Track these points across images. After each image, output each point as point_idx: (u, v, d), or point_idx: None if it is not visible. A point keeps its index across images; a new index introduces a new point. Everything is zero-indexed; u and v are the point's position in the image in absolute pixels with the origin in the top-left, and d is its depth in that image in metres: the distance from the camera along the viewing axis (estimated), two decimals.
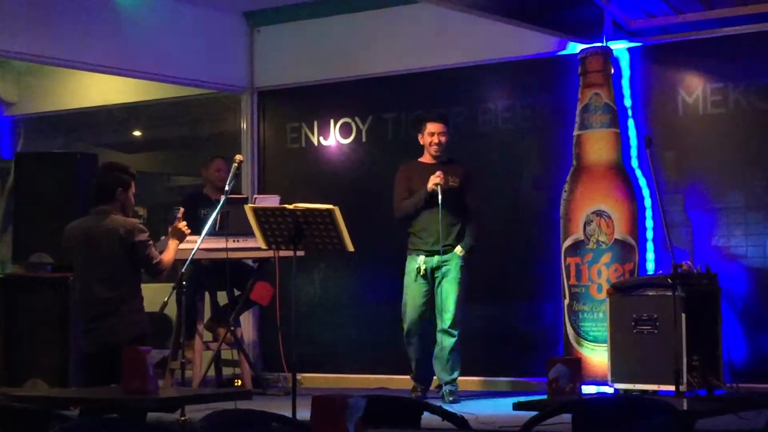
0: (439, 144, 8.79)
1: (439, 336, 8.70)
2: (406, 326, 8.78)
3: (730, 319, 8.65)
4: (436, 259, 8.68)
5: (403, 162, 9.02)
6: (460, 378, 8.80)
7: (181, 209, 7.62)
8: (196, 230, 8.93)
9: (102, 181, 7.18)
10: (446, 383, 8.66)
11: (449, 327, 8.65)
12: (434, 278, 8.73)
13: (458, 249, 8.67)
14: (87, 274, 7.10)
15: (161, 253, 7.36)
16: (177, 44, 10.46)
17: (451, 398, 8.50)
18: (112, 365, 6.67)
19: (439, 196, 8.47)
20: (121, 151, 13.34)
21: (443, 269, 8.71)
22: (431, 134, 8.81)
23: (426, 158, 8.88)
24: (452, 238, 8.71)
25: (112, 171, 7.21)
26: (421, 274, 8.67)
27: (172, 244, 7.34)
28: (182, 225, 7.35)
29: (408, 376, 8.89)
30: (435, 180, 8.52)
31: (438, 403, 6.98)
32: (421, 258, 8.67)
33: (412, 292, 8.75)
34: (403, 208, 8.75)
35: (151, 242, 7.14)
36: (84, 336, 7.11)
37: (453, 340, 8.64)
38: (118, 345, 6.69)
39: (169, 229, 7.44)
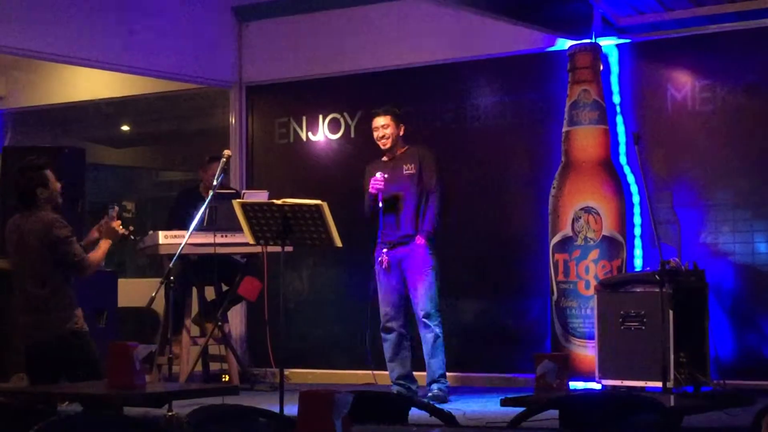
0: (383, 138, 8.74)
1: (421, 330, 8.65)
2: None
3: (718, 315, 8.67)
4: (396, 250, 8.61)
5: (369, 161, 8.97)
6: (449, 373, 8.73)
7: (116, 208, 7.47)
8: (185, 227, 8.95)
9: (21, 186, 7.09)
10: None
11: (423, 318, 8.53)
12: (400, 270, 8.67)
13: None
14: (20, 270, 7.11)
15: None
16: (165, 39, 10.46)
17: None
18: (44, 361, 6.87)
19: (380, 203, 8.44)
20: (108, 145, 13.34)
21: (406, 261, 8.62)
22: (375, 129, 8.78)
23: (385, 155, 8.86)
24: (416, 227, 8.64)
25: (26, 173, 7.08)
26: (384, 266, 8.60)
27: (104, 243, 7.15)
28: (116, 224, 7.19)
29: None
30: (375, 186, 8.52)
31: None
32: (385, 250, 8.61)
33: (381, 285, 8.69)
34: (364, 210, 8.72)
35: (73, 238, 6.99)
36: (17, 331, 7.18)
37: (431, 333, 8.54)
38: (45, 342, 6.85)
39: (102, 228, 7.24)
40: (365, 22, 10.33)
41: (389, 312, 8.60)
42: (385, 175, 8.51)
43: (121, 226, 7.22)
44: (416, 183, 8.59)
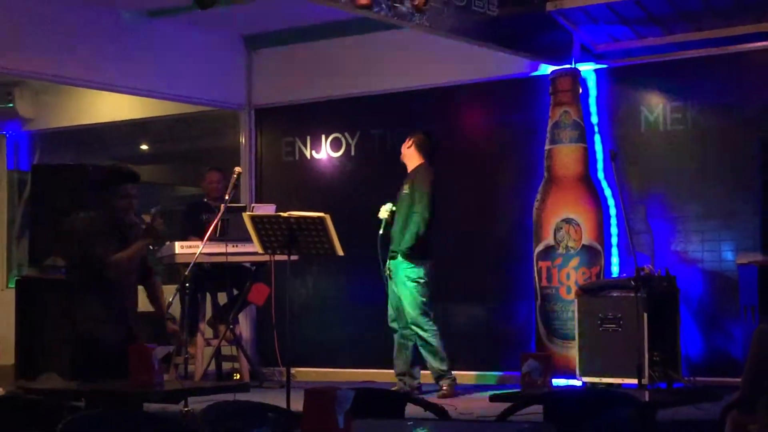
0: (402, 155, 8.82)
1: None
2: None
3: (688, 318, 8.66)
4: (389, 264, 8.66)
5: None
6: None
7: (158, 208, 7.23)
8: (198, 234, 8.96)
9: None
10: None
11: (411, 325, 8.56)
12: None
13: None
14: None
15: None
16: (181, 65, 10.46)
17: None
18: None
19: (380, 230, 8.49)
20: (129, 163, 13.30)
21: (393, 274, 8.63)
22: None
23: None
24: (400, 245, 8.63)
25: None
26: (387, 274, 8.65)
27: (137, 244, 6.76)
28: (158, 223, 6.86)
29: (393, 371, 8.83)
30: (381, 215, 8.59)
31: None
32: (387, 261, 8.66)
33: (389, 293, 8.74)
34: None
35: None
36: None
37: (420, 339, 8.57)
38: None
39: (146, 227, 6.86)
40: (364, 49, 10.33)
41: (392, 314, 8.70)
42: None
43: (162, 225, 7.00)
44: (407, 203, 8.59)
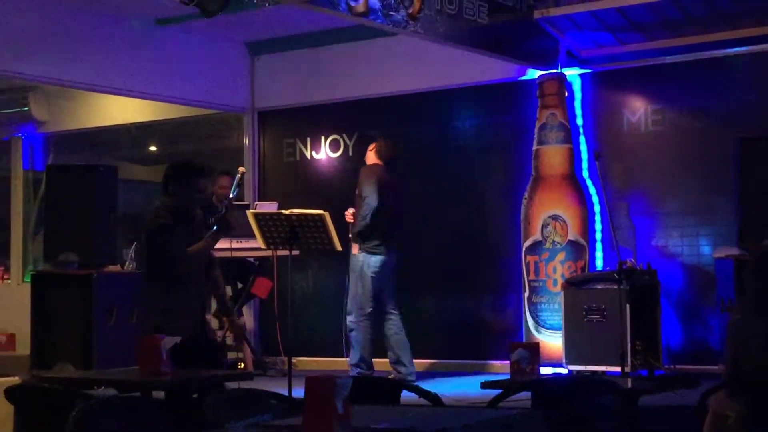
0: None
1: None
2: None
3: (668, 309, 8.67)
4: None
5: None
6: (435, 360, 8.74)
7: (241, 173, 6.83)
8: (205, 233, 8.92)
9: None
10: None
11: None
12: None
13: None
14: None
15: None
16: (187, 70, 10.45)
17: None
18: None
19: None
20: (138, 163, 13.30)
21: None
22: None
23: None
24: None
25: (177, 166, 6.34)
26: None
27: (213, 236, 6.30)
28: (231, 216, 6.41)
29: (387, 359, 8.80)
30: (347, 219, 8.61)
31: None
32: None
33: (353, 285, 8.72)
34: None
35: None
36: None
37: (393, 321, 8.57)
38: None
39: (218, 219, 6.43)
40: (361, 55, 10.33)
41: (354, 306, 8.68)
42: None
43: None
44: (359, 201, 8.62)
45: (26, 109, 11.96)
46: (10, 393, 5.19)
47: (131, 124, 12.06)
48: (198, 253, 6.20)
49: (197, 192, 6.21)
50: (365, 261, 8.49)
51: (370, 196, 8.48)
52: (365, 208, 8.48)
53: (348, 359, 8.61)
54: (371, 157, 8.79)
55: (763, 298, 4.94)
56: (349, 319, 8.53)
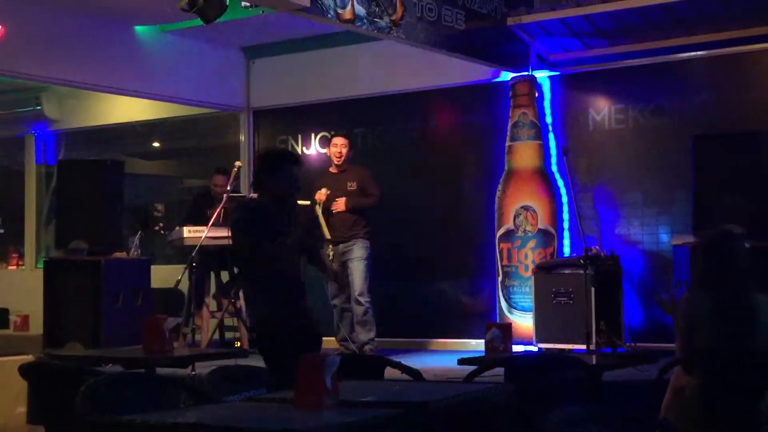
0: (340, 155, 8.76)
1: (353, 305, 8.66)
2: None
3: (629, 292, 8.69)
4: (340, 246, 8.63)
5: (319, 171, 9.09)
6: (417, 339, 8.74)
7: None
8: (203, 223, 8.93)
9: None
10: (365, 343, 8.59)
11: (357, 296, 8.59)
12: (343, 261, 8.64)
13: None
14: None
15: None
16: (188, 73, 10.42)
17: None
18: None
19: (320, 216, 8.34)
20: (142, 158, 13.25)
21: (348, 253, 8.63)
22: (334, 146, 8.82)
23: (333, 167, 8.87)
24: (356, 229, 8.64)
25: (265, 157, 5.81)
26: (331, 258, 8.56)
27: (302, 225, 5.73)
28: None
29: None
30: (317, 197, 8.54)
31: None
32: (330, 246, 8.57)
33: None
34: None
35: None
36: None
37: (363, 308, 8.57)
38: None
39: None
40: (348, 58, 10.30)
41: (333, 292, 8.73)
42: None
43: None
44: (358, 195, 8.64)
45: (39, 108, 11.92)
46: (25, 370, 5.19)
47: (136, 122, 12.01)
48: (293, 243, 5.63)
49: (290, 180, 5.59)
50: (368, 246, 8.57)
51: (376, 193, 8.64)
52: (373, 200, 8.61)
53: (363, 336, 8.58)
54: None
55: (710, 275, 4.96)
56: (365, 299, 8.53)
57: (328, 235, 7.67)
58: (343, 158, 8.79)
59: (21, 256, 12.55)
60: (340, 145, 8.80)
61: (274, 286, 5.53)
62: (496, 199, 9.25)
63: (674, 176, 8.72)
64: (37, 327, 9.58)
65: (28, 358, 7.12)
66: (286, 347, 5.14)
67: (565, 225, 9.20)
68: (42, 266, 9.42)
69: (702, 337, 4.89)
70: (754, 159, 7.76)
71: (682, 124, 8.73)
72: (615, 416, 3.41)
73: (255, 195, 5.71)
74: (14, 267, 12.64)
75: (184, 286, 9.17)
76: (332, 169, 8.86)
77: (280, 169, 5.51)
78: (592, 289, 7.95)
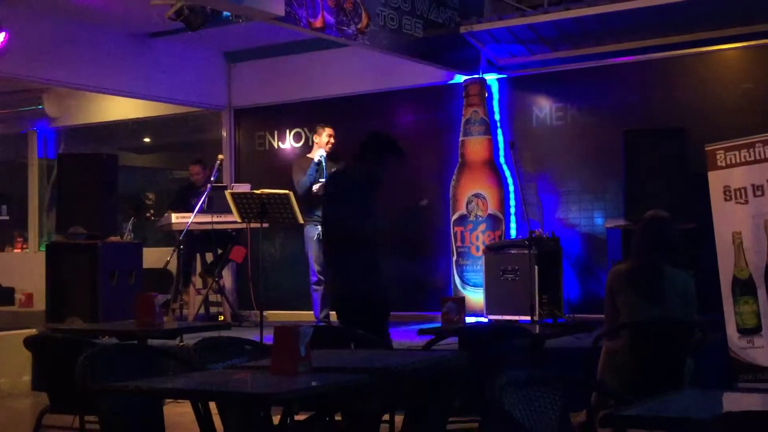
0: (330, 144, 8.70)
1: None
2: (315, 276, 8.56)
3: (568, 269, 8.74)
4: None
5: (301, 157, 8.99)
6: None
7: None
8: (186, 209, 8.89)
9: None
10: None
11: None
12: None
13: None
14: None
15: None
16: (175, 75, 10.34)
17: None
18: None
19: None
20: (135, 152, 13.16)
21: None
22: (330, 136, 8.71)
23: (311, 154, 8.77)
24: None
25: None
26: (318, 238, 8.35)
27: None
28: None
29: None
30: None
31: None
32: (318, 227, 8.36)
33: (316, 252, 8.44)
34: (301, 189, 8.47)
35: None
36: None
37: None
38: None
39: None
40: (319, 63, 10.26)
41: (321, 270, 8.44)
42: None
43: None
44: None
45: (40, 107, 11.82)
46: (29, 342, 5.14)
47: (128, 119, 11.92)
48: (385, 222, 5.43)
49: (382, 165, 5.53)
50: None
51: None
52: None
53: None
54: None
55: (644, 248, 5.00)
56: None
57: (300, 220, 7.64)
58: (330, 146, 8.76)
59: (25, 240, 12.43)
60: (332, 136, 8.76)
61: (370, 258, 5.59)
62: (451, 187, 9.26)
63: (607, 167, 8.77)
64: (40, 304, 9.49)
65: (33, 331, 7.05)
66: (371, 313, 5.25)
67: (512, 210, 9.24)
68: (44, 249, 9.32)
69: (620, 304, 4.95)
70: (677, 152, 7.84)
71: (614, 120, 8.78)
72: (556, 379, 3.42)
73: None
74: (19, 250, 12.54)
75: (173, 266, 9.12)
76: (311, 156, 8.77)
77: (380, 153, 5.54)
78: (536, 266, 8.00)
